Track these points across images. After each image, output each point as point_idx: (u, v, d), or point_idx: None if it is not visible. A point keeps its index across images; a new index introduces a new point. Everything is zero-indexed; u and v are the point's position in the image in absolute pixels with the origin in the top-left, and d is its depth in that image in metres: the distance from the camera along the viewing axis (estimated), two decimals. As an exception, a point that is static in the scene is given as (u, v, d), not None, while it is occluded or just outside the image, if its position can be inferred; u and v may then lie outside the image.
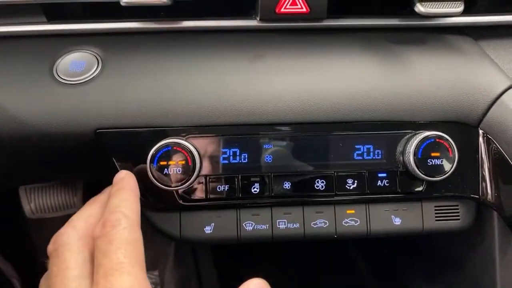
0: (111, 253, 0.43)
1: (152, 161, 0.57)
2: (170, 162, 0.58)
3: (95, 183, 1.25)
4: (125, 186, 0.52)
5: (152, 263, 1.32)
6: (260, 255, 1.23)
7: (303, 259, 1.23)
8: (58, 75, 0.60)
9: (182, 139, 0.59)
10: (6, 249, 1.17)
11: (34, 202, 1.24)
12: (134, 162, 0.60)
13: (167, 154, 0.58)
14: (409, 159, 0.60)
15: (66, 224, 0.49)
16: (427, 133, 0.60)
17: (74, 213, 1.31)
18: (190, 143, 0.59)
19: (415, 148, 0.59)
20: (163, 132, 0.60)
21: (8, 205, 1.15)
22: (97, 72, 0.61)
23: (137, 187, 0.54)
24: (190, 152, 0.58)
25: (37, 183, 1.09)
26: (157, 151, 0.57)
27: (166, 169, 0.58)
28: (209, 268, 1.32)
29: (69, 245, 0.46)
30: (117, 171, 0.60)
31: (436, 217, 0.65)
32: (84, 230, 0.48)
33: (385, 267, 1.08)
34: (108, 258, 0.43)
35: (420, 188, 0.63)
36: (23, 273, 1.22)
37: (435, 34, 0.68)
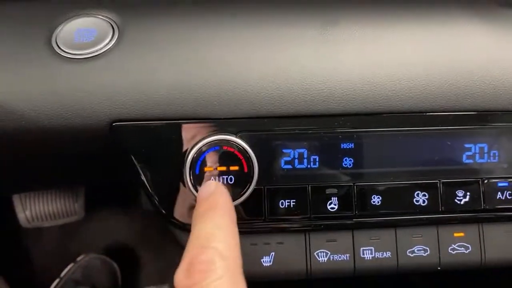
0: None
1: (192, 166, 0.41)
2: (218, 168, 0.41)
3: (99, 187, 1.11)
4: (219, 205, 0.37)
5: (161, 275, 1.18)
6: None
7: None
8: (59, 47, 0.44)
9: (233, 136, 0.42)
10: (-1, 261, 1.01)
11: (29, 209, 1.11)
12: (165, 167, 0.43)
13: (214, 156, 0.41)
14: None
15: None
16: None
17: (75, 221, 1.13)
18: (246, 142, 0.42)
19: (554, 148, 0.43)
20: (205, 127, 0.43)
21: (0, 213, 1.02)
22: (112, 43, 0.44)
23: (233, 208, 0.38)
24: (246, 153, 0.41)
25: (35, 190, 0.93)
26: (199, 152, 0.41)
27: (212, 178, 0.41)
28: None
29: None
30: (138, 178, 0.44)
31: None
32: None
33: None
34: None
35: (553, 203, 0.46)
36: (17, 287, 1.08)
37: None
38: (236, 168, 0.41)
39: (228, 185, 0.41)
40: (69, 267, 1.13)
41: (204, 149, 0.41)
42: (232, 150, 0.41)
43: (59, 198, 1.12)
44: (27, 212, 1.11)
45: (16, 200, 1.11)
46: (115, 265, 1.16)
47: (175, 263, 0.99)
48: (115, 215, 1.25)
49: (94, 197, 1.16)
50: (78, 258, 1.14)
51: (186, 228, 0.46)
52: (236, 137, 0.42)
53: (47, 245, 1.20)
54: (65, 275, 1.11)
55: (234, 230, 0.36)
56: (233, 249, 0.34)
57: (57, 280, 1.10)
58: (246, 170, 0.41)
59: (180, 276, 0.32)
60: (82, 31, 0.45)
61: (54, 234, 1.20)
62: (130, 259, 1.20)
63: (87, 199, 1.14)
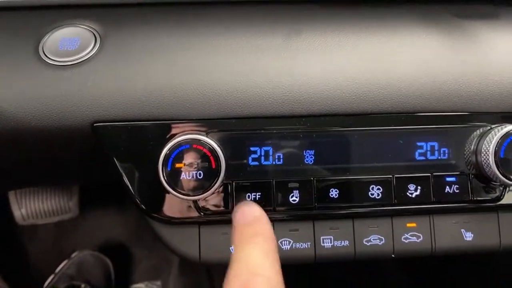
0: None
1: (165, 163, 0.45)
2: (188, 164, 0.45)
3: (93, 186, 1.14)
4: (266, 232, 0.39)
5: (153, 271, 1.21)
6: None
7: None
8: (45, 55, 0.48)
9: (203, 135, 0.46)
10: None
11: (25, 207, 1.15)
12: (141, 164, 0.47)
13: (184, 154, 0.45)
14: (488, 160, 0.48)
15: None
16: (510, 126, 0.48)
17: (69, 219, 1.15)
18: (213, 140, 0.46)
19: (496, 146, 0.47)
20: (178, 127, 0.47)
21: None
22: (94, 51, 0.48)
23: (273, 233, 0.40)
24: (214, 151, 0.45)
25: (25, 188, 0.96)
26: (171, 150, 0.45)
27: (183, 174, 0.45)
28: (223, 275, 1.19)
29: None
30: (119, 175, 0.48)
31: None
32: None
33: None
34: None
35: (496, 195, 0.51)
36: (13, 284, 1.11)
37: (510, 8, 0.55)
38: (204, 164, 0.45)
39: (197, 180, 0.45)
40: (63, 263, 1.16)
41: (175, 147, 0.45)
42: (200, 148, 0.45)
43: (54, 196, 1.16)
44: (23, 210, 1.15)
45: (12, 198, 1.14)
46: (108, 261, 1.18)
47: (167, 259, 1.03)
48: (109, 213, 1.27)
49: (88, 195, 1.19)
50: (73, 255, 1.17)
51: (167, 222, 0.50)
52: (205, 136, 0.46)
53: (43, 242, 1.22)
54: (59, 271, 1.14)
55: (278, 259, 0.38)
56: (279, 276, 0.36)
57: (51, 276, 1.13)
58: (214, 166, 0.46)
59: None
60: (66, 40, 0.49)
61: (50, 232, 1.23)
62: (123, 256, 1.23)
63: (82, 197, 1.18)
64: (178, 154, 0.45)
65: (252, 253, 0.37)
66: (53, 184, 0.86)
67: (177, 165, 0.45)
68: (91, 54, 0.48)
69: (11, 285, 1.11)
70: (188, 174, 0.45)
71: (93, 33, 0.50)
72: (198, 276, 1.15)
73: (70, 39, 0.49)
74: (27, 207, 1.14)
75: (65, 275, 1.14)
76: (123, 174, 0.48)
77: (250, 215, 0.41)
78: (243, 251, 0.37)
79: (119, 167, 0.48)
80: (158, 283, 1.22)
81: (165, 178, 0.45)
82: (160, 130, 0.47)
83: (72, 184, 0.91)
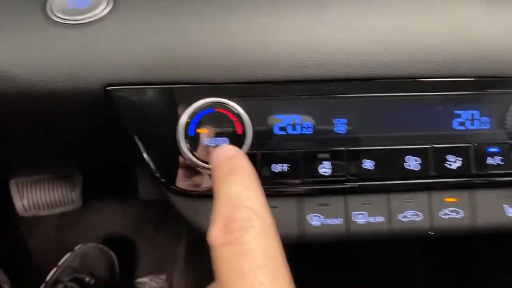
0: (250, 274, 0.30)
1: (185, 128, 0.41)
2: (211, 130, 0.41)
3: (96, 176, 1.11)
4: (244, 167, 0.36)
5: (158, 265, 1.18)
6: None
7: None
8: (53, 13, 0.44)
9: (228, 99, 0.42)
10: (-4, 251, 1.02)
11: (27, 197, 1.12)
12: (158, 130, 0.44)
13: (207, 118, 0.41)
14: None
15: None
16: None
17: (72, 210, 1.11)
18: (239, 105, 0.42)
19: (543, 112, 0.43)
20: (199, 91, 0.43)
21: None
22: (107, 9, 0.44)
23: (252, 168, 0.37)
24: (240, 116, 0.41)
25: (30, 171, 0.93)
26: (193, 114, 0.41)
27: (206, 140, 0.41)
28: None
29: None
30: (134, 144, 0.44)
31: None
32: None
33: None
34: (245, 281, 0.29)
35: (543, 168, 0.47)
36: (14, 277, 1.07)
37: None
38: (230, 130, 0.42)
39: (221, 148, 0.41)
40: (66, 255, 1.13)
41: (197, 111, 0.41)
42: (225, 112, 0.41)
43: (56, 187, 1.13)
44: (24, 201, 1.12)
45: (13, 188, 1.11)
46: (112, 254, 1.16)
47: (172, 252, 0.99)
48: (112, 204, 1.24)
49: (91, 186, 1.16)
50: (76, 247, 1.14)
51: (187, 195, 0.46)
52: (229, 100, 0.42)
53: (45, 234, 1.19)
54: (62, 263, 1.11)
55: (262, 192, 0.36)
56: (265, 208, 0.34)
57: (54, 269, 1.10)
58: (240, 132, 0.42)
59: (216, 233, 0.32)
60: (76, -2, 0.45)
61: (52, 223, 1.20)
62: (127, 249, 1.20)
63: (85, 188, 1.15)
64: (201, 118, 0.41)
65: (231, 188, 0.34)
66: (58, 166, 0.82)
67: (199, 131, 0.41)
68: (103, 13, 0.44)
69: (13, 278, 1.08)
70: (212, 141, 0.41)
71: None
72: (204, 272, 1.12)
73: (80, -3, 0.45)
74: (29, 198, 1.11)
75: (68, 268, 1.11)
76: (139, 143, 0.44)
77: (224, 155, 0.38)
78: (221, 189, 0.35)
79: (134, 136, 0.44)
80: (163, 277, 1.19)
81: (185, 145, 0.41)
82: (179, 94, 0.43)
83: (81, 164, 0.87)
